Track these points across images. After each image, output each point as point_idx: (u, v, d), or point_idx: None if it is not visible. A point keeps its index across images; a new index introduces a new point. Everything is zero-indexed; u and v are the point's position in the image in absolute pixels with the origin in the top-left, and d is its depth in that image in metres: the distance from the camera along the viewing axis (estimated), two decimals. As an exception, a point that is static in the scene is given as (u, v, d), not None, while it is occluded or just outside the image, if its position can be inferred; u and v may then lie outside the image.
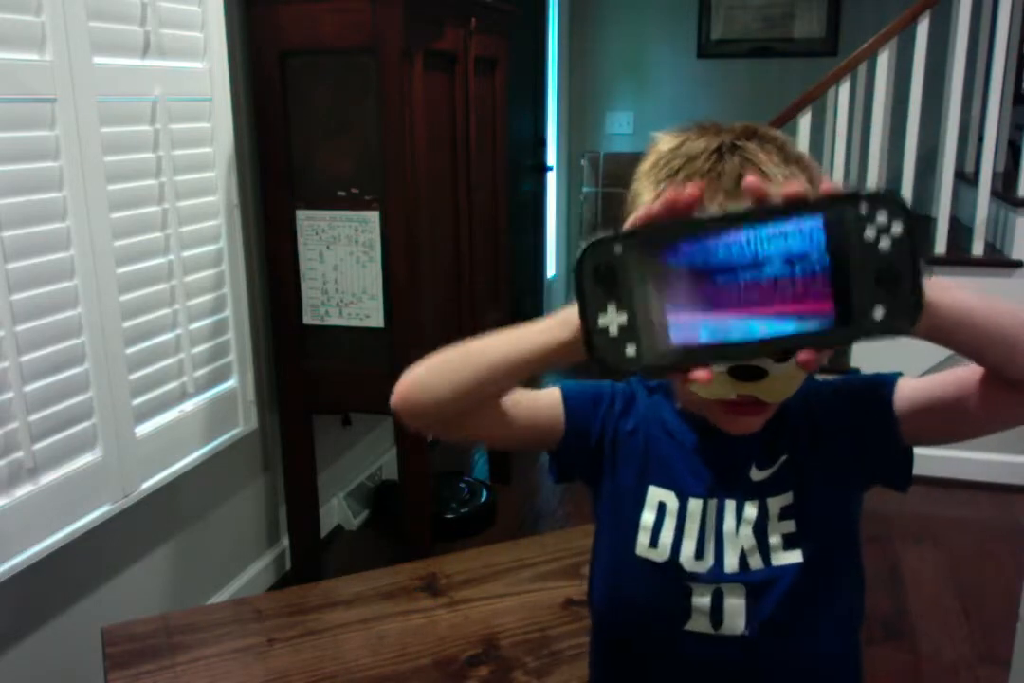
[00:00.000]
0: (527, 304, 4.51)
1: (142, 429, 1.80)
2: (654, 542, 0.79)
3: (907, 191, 2.82)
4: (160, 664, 1.45)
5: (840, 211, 0.57)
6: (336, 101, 2.01)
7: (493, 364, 0.68)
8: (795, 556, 0.76)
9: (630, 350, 0.59)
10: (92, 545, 1.72)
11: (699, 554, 0.77)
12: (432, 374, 0.72)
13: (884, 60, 2.79)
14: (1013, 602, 1.68)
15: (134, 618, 1.62)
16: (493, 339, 0.68)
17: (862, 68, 3.10)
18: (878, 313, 0.56)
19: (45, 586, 1.64)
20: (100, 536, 1.73)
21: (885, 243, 0.56)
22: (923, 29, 2.72)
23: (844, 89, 2.86)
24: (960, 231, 3.11)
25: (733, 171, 0.72)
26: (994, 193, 2.94)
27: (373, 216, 2.03)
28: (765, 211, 0.58)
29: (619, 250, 0.59)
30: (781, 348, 0.59)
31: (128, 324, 1.74)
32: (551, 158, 4.69)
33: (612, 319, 0.59)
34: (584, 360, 0.60)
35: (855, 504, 0.82)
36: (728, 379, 0.71)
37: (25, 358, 1.51)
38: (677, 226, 0.59)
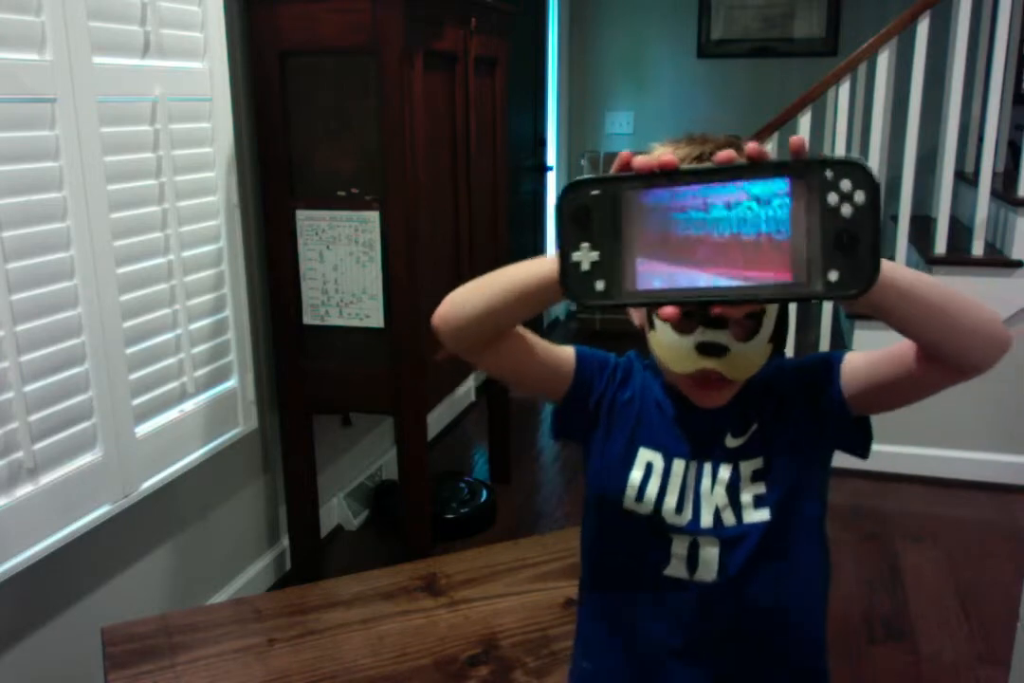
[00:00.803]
0: (527, 304, 4.51)
1: (142, 429, 1.80)
2: (640, 497, 0.88)
3: (907, 191, 2.83)
4: (160, 664, 1.45)
5: (806, 175, 0.59)
6: (336, 101, 2.01)
7: (507, 287, 0.77)
8: (764, 515, 0.85)
9: (599, 285, 0.63)
10: (92, 545, 1.72)
11: (679, 509, 0.87)
12: (464, 294, 0.82)
13: (884, 60, 2.79)
14: (1013, 602, 1.68)
15: (134, 618, 1.62)
16: (512, 267, 0.77)
17: (862, 68, 3.10)
18: (832, 276, 0.59)
19: (45, 586, 1.64)
20: (100, 536, 1.73)
21: (847, 210, 0.59)
22: (923, 29, 2.72)
23: (844, 89, 2.86)
24: (960, 231, 3.11)
25: None
26: (994, 193, 2.94)
27: (373, 216, 2.03)
28: (736, 168, 0.61)
29: (595, 192, 0.63)
30: (735, 298, 0.63)
31: (128, 324, 1.74)
32: (551, 158, 4.69)
33: (584, 256, 0.63)
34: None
35: (821, 469, 0.90)
36: (695, 355, 0.79)
37: (25, 358, 1.51)
38: (651, 175, 0.62)
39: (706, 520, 0.86)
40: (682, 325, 0.79)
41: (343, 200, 2.05)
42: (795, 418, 0.86)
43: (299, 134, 2.05)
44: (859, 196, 0.59)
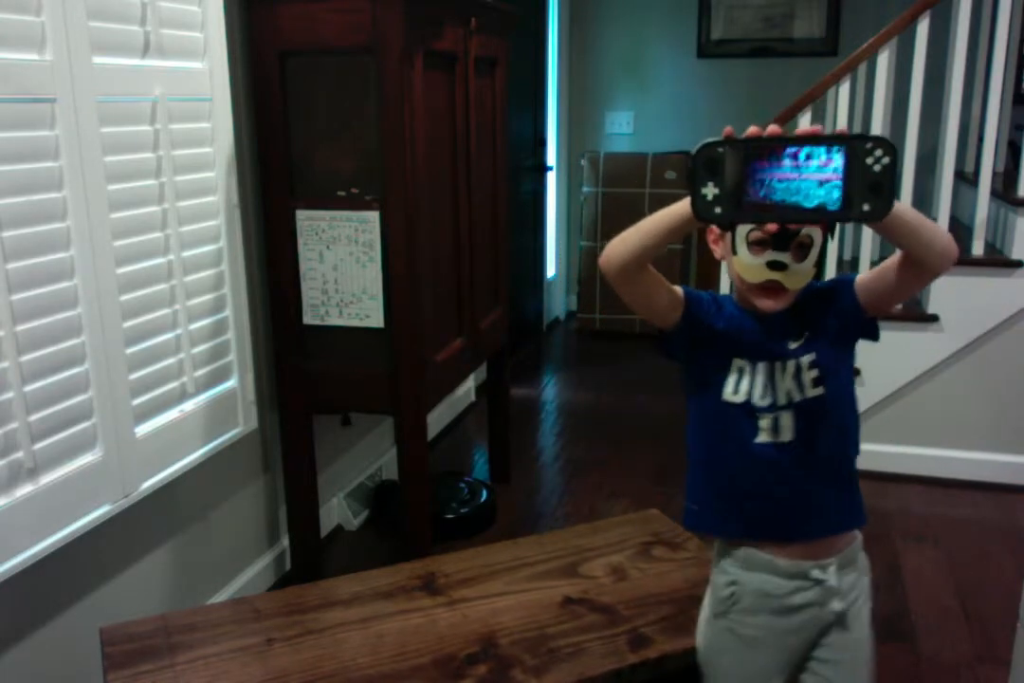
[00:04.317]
0: (527, 304, 4.51)
1: (142, 429, 1.80)
2: (735, 391, 1.24)
3: (907, 191, 2.83)
4: (158, 664, 1.45)
5: (854, 144, 0.95)
6: (336, 101, 2.01)
7: (657, 224, 1.12)
8: (819, 391, 1.23)
9: (718, 210, 0.98)
10: (92, 545, 1.72)
11: (763, 396, 1.23)
12: (624, 238, 1.15)
13: (884, 60, 2.79)
14: (1013, 602, 1.69)
15: (134, 618, 1.62)
16: (656, 213, 1.12)
17: (862, 68, 3.10)
18: (865, 207, 0.96)
19: (45, 586, 1.64)
20: (100, 536, 1.73)
21: (877, 167, 0.95)
22: (923, 29, 2.72)
23: (844, 89, 2.86)
24: (960, 231, 3.11)
25: None
26: (994, 193, 2.94)
27: (373, 216, 2.04)
28: (814, 138, 0.96)
29: (721, 149, 0.96)
30: (807, 218, 1.01)
31: (128, 324, 1.74)
32: (551, 158, 4.69)
33: (710, 190, 0.97)
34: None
35: (850, 354, 1.29)
36: (765, 269, 1.15)
37: (25, 358, 1.51)
38: (760, 139, 0.97)
39: (781, 400, 1.22)
40: (758, 249, 1.14)
41: (343, 200, 2.05)
42: (830, 322, 1.24)
43: (299, 134, 2.05)
44: (885, 159, 0.94)
